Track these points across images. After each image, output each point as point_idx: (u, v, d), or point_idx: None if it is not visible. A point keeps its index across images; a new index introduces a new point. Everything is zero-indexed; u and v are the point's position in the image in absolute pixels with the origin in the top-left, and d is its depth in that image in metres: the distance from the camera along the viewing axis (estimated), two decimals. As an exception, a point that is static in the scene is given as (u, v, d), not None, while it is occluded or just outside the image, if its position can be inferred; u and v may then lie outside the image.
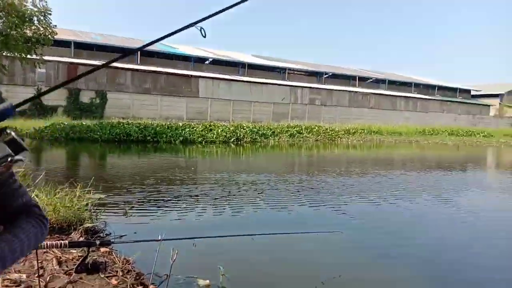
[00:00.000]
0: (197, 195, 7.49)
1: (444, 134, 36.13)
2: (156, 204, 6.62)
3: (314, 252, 4.53)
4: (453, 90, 52.16)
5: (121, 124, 21.38)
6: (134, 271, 3.27)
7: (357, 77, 44.64)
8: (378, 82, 46.41)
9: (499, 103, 55.80)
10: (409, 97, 43.94)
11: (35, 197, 4.62)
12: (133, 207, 6.28)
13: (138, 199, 6.93)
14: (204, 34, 1.29)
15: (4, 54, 13.06)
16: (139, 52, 32.41)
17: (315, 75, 42.82)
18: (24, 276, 2.65)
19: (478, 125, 46.66)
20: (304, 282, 3.63)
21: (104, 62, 1.35)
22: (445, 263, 4.28)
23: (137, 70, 29.23)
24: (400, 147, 26.01)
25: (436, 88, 50.34)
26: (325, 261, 4.28)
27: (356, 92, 40.04)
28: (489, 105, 51.77)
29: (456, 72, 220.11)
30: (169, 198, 7.14)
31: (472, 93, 54.30)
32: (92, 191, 5.30)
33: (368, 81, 45.88)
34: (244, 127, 25.20)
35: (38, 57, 13.41)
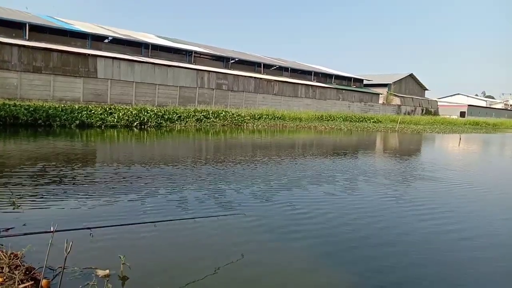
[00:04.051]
0: (93, 183, 7.11)
1: (339, 119, 39.08)
2: (47, 194, 6.14)
3: (218, 236, 4.64)
4: (348, 79, 56.54)
5: (7, 106, 19.18)
6: (24, 266, 3.04)
7: (262, 64, 45.73)
8: (281, 69, 48.17)
9: (387, 92, 61.92)
10: (309, 85, 46.43)
11: None
12: (21, 197, 5.76)
13: (27, 189, 6.36)
14: None
15: None
16: (27, 27, 29.21)
17: (221, 60, 42.83)
18: None
19: (369, 112, 51.44)
20: (207, 265, 3.72)
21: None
22: (341, 239, 4.72)
23: (25, 46, 26.25)
24: (301, 132, 27.49)
25: (333, 77, 54.03)
26: (228, 243, 4.41)
27: (261, 78, 41.05)
28: (378, 94, 57.22)
29: (352, 63, 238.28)
30: (62, 187, 6.66)
31: (365, 82, 59.49)
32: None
33: (272, 68, 47.33)
34: (148, 111, 24.36)
35: None
